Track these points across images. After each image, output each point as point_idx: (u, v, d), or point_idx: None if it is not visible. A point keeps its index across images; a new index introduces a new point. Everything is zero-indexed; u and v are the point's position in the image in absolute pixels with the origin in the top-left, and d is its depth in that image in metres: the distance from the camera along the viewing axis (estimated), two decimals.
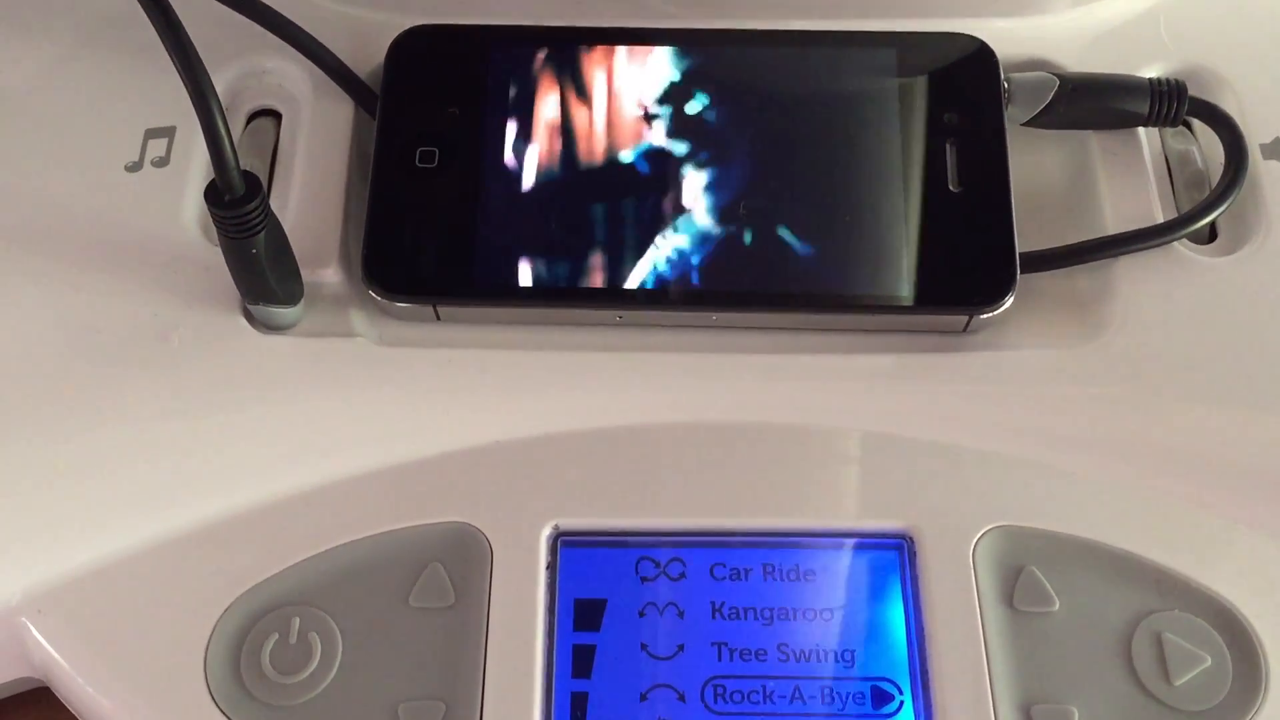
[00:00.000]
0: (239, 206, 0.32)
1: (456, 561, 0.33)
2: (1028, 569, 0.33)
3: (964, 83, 0.38)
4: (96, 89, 0.39)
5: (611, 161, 0.37)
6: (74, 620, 0.33)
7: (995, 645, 0.32)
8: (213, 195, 0.32)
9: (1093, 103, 0.38)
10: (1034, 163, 0.39)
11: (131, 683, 0.32)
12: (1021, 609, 0.33)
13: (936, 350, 0.36)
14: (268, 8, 0.38)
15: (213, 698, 0.32)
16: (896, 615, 0.33)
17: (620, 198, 0.37)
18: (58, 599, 0.33)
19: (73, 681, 0.33)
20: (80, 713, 0.33)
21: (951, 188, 0.37)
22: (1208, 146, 0.39)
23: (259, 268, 0.33)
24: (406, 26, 0.39)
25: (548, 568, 0.33)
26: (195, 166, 0.38)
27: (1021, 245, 0.36)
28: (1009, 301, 0.36)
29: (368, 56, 0.39)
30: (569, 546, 0.34)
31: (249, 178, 0.32)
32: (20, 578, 0.33)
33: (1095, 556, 0.33)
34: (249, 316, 0.36)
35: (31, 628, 0.33)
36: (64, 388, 0.35)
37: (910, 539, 0.34)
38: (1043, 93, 0.38)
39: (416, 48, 0.39)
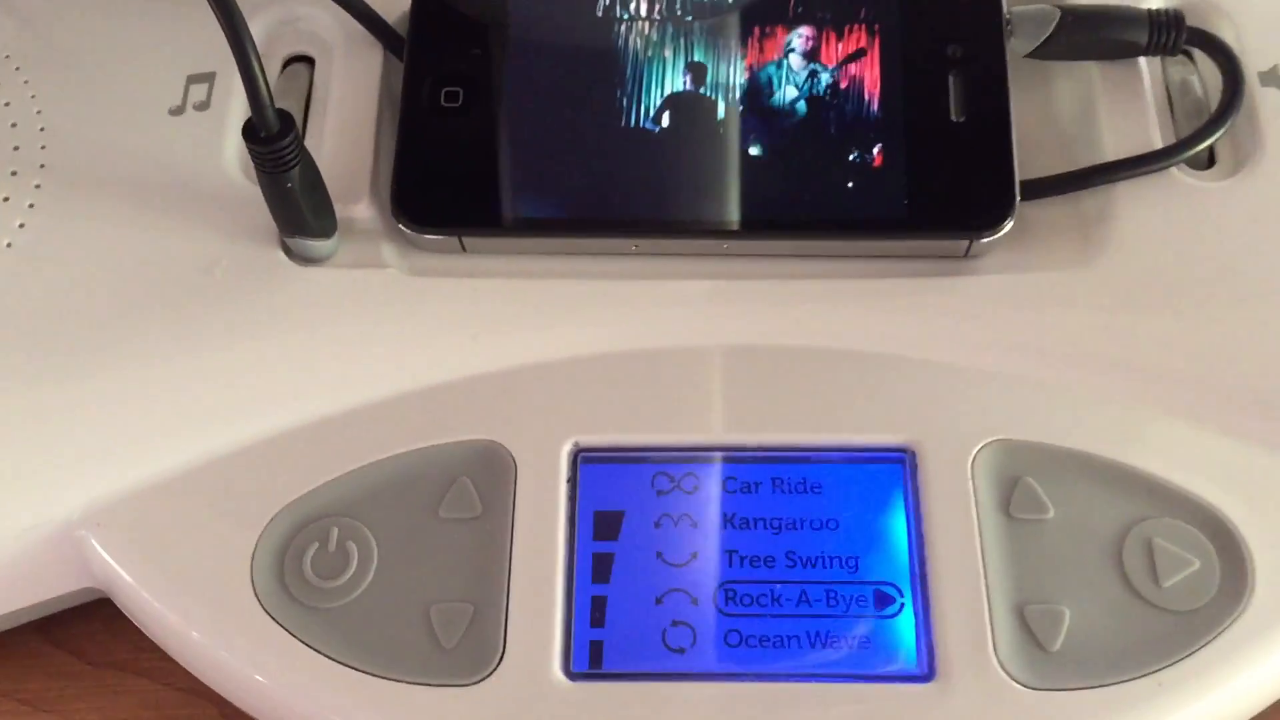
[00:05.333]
0: (274, 142, 0.34)
1: (483, 476, 0.35)
2: (1024, 479, 0.35)
3: (967, 15, 0.39)
4: (141, 38, 0.41)
5: (628, 96, 0.39)
6: (131, 533, 0.35)
7: (991, 550, 0.34)
8: (250, 132, 0.34)
9: (1093, 33, 0.39)
10: (1036, 93, 0.40)
11: (185, 590, 0.34)
12: (1017, 516, 0.34)
13: (939, 274, 0.37)
14: None
15: (260, 602, 0.34)
16: (899, 524, 0.35)
17: (637, 132, 0.38)
18: (116, 513, 0.35)
19: (131, 590, 0.35)
20: (139, 620, 0.35)
21: (954, 117, 0.38)
22: (1208, 76, 0.40)
23: (294, 201, 0.35)
24: None
25: (568, 481, 0.35)
26: (234, 110, 0.40)
27: (1023, 174, 0.37)
28: (1008, 226, 0.37)
29: (395, 2, 0.41)
30: (589, 462, 0.35)
31: (283, 115, 0.34)
32: (80, 494, 0.35)
33: (1089, 467, 0.35)
34: (287, 250, 0.38)
35: (92, 540, 0.35)
36: (118, 319, 0.37)
37: (912, 453, 0.35)
38: (1044, 25, 0.39)
39: None
